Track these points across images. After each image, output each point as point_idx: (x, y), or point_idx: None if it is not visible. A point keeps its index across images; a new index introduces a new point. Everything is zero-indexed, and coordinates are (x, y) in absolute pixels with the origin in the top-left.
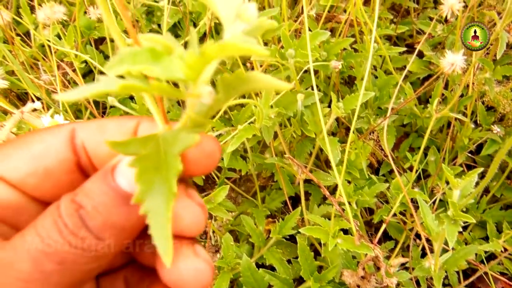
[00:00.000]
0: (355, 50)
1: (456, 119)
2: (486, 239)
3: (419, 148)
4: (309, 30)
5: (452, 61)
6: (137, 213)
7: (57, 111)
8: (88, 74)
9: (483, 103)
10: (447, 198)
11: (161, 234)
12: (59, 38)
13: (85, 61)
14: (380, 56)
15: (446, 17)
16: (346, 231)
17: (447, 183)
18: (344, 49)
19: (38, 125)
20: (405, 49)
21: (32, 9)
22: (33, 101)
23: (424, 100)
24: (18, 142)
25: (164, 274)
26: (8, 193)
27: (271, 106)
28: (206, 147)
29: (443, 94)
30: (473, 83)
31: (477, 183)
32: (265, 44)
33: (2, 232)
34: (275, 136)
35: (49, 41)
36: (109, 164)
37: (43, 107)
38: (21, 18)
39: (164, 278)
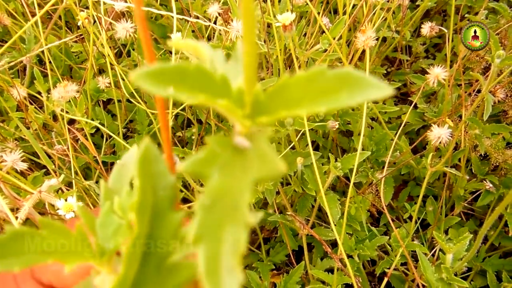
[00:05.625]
0: (351, 108)
1: None
2: (487, 287)
3: (417, 196)
4: None
5: (438, 134)
6: None
7: (68, 176)
8: (96, 132)
9: (476, 152)
10: (442, 261)
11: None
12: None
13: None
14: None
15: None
16: (349, 285)
17: (446, 232)
18: None
19: (55, 204)
20: (397, 108)
21: (43, 73)
22: (44, 167)
23: (420, 148)
24: None
25: None
26: None
27: None
28: None
29: (437, 147)
30: (464, 138)
31: (475, 232)
32: None
33: None
34: (277, 192)
35: (62, 110)
36: None
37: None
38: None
39: None
